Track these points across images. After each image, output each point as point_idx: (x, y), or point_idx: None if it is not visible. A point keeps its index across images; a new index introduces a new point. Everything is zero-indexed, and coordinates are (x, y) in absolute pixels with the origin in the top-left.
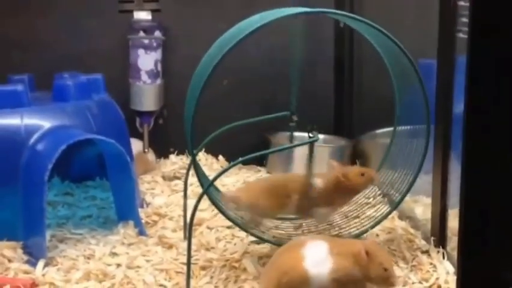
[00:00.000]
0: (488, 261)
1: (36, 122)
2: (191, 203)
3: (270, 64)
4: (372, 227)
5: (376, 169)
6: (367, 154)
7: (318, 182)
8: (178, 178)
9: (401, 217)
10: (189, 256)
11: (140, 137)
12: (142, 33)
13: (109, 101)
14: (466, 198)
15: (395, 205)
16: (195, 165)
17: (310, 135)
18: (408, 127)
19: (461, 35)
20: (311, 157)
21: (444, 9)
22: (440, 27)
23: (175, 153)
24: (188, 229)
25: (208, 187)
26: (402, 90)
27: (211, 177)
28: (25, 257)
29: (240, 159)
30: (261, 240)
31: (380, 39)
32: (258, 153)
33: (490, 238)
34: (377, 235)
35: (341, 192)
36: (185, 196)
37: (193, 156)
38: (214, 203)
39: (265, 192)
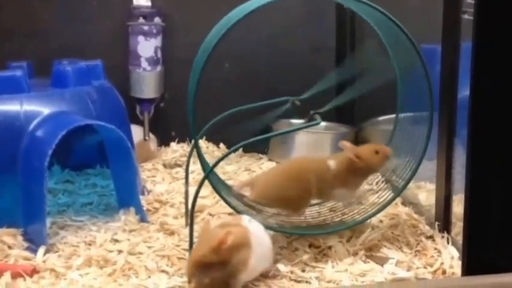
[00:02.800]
0: (493, 246)
1: (35, 108)
2: (192, 190)
3: (272, 50)
4: (376, 213)
5: None
6: (369, 141)
7: (332, 163)
8: (179, 166)
9: (405, 203)
10: (191, 242)
11: (140, 124)
12: (141, 20)
13: (108, 87)
14: (471, 184)
15: (398, 191)
16: (197, 148)
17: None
18: (411, 114)
19: (466, 16)
20: None
21: None
22: (444, 8)
23: (176, 141)
24: (190, 214)
25: (209, 172)
26: (404, 76)
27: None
28: (25, 244)
29: (241, 143)
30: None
31: (381, 23)
32: (259, 137)
33: (494, 223)
34: (381, 221)
35: (356, 172)
36: (186, 182)
37: (196, 141)
38: (215, 189)
39: (286, 184)
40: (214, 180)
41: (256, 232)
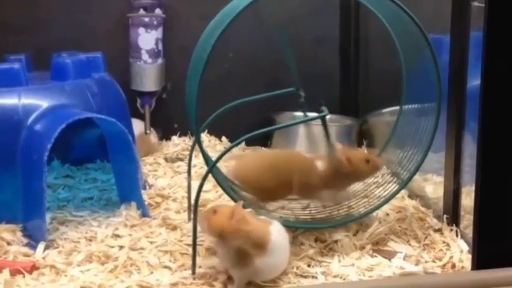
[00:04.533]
0: (503, 239)
1: (34, 101)
2: (195, 184)
3: (275, 42)
4: (381, 205)
5: (382, 148)
6: (374, 133)
7: (319, 164)
8: (181, 160)
9: (411, 196)
10: (194, 237)
11: (141, 118)
12: (142, 11)
13: (109, 80)
14: (482, 175)
15: (403, 183)
16: (199, 143)
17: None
18: (417, 105)
19: (476, 3)
20: (327, 133)
21: None
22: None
23: (178, 134)
24: (194, 208)
25: (212, 166)
26: (410, 67)
27: (214, 159)
28: (25, 240)
29: (245, 136)
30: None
31: (387, 12)
32: (263, 130)
33: (505, 215)
34: (387, 214)
35: (342, 176)
36: (189, 175)
37: (197, 133)
38: (218, 182)
39: (267, 172)
40: (217, 174)
41: (278, 234)
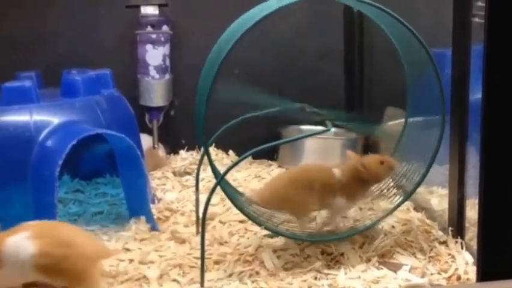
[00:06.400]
0: (508, 251)
1: (45, 118)
2: (203, 197)
3: (280, 54)
4: (385, 217)
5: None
6: (379, 146)
7: (337, 172)
8: (189, 174)
9: (417, 208)
10: (203, 250)
11: (149, 132)
12: (149, 28)
13: (118, 96)
14: (485, 187)
15: (407, 195)
16: (208, 156)
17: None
18: (421, 118)
19: (477, 19)
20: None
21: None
22: (454, 12)
23: (185, 148)
24: (202, 222)
25: (220, 179)
26: (414, 80)
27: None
28: None
29: (251, 150)
30: (275, 233)
31: (392, 27)
32: (270, 144)
33: (509, 227)
34: (393, 227)
35: (361, 182)
36: (197, 189)
37: (206, 146)
38: (227, 195)
39: (292, 189)
40: (226, 188)
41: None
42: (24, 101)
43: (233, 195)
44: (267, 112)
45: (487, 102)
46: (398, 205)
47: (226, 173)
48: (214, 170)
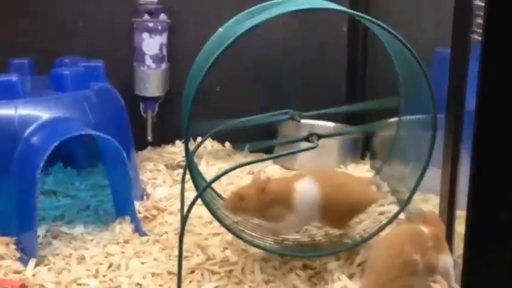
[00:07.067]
0: (496, 266)
1: (31, 113)
2: (191, 195)
3: (282, 51)
4: (377, 233)
5: (382, 162)
6: (379, 145)
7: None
8: (181, 167)
9: (410, 218)
10: (180, 262)
11: (143, 122)
12: (146, 16)
13: (109, 89)
14: (473, 202)
15: (401, 207)
16: (190, 169)
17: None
18: (420, 116)
19: (475, 36)
20: None
21: (458, 9)
22: (454, 26)
23: (183, 140)
24: (179, 238)
25: (201, 192)
26: (408, 81)
27: (213, 169)
28: (17, 254)
29: (239, 164)
30: (257, 248)
31: (386, 36)
32: (261, 159)
33: (498, 243)
34: None
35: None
36: (182, 194)
37: (189, 159)
38: (208, 207)
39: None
40: (208, 198)
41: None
42: (10, 96)
43: (215, 205)
44: (257, 118)
45: (481, 110)
46: (393, 218)
47: (205, 189)
48: (195, 181)
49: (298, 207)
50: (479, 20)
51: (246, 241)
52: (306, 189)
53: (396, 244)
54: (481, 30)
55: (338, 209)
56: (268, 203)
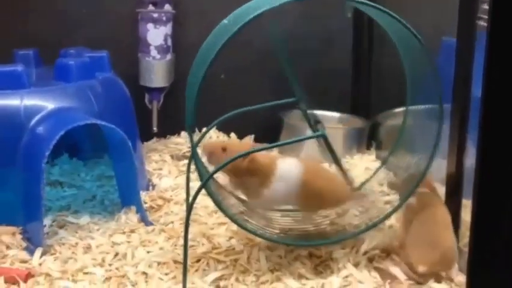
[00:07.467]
0: (502, 255)
1: (36, 103)
2: (197, 185)
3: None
4: (380, 222)
5: (389, 152)
6: (385, 134)
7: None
8: (187, 158)
9: None
10: (186, 250)
11: (149, 113)
12: (151, 7)
13: (114, 80)
14: (479, 195)
15: (407, 195)
16: (196, 158)
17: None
18: (427, 106)
19: (482, 22)
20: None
21: None
22: (460, 12)
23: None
24: (184, 234)
25: (205, 181)
26: (414, 71)
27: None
28: (24, 244)
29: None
30: (261, 238)
31: (390, 23)
32: (266, 147)
33: (504, 231)
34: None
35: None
36: (187, 186)
37: (194, 148)
38: (213, 198)
39: None
40: (212, 189)
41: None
42: (15, 86)
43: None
44: (262, 107)
45: (487, 98)
46: (397, 208)
47: (209, 177)
48: (200, 171)
49: (277, 184)
50: (485, 6)
51: (250, 231)
52: (287, 169)
53: None
54: (487, 16)
55: (314, 197)
56: (248, 171)
